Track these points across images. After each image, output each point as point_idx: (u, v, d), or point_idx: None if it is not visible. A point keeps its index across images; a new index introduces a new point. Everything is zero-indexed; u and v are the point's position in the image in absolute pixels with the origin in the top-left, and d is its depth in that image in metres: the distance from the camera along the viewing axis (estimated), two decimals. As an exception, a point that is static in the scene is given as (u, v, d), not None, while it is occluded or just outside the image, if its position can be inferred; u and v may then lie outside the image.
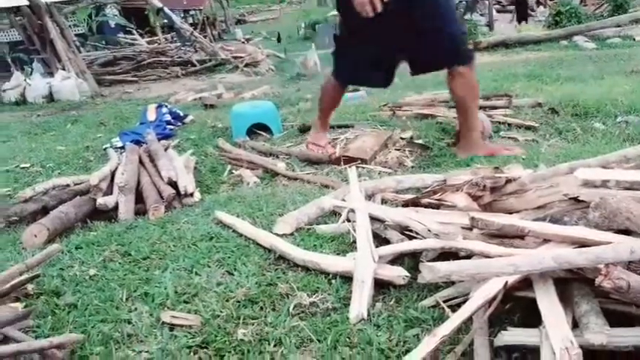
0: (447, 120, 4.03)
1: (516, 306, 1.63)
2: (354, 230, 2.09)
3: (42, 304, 1.95)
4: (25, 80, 8.69)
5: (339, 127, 4.18)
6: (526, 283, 1.57)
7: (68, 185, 3.49)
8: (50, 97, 8.40)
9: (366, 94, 5.93)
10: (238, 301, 1.86)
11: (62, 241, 2.63)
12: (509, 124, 3.96)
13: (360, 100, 5.50)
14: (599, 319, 1.34)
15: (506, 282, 1.50)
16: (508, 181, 1.96)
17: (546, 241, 1.66)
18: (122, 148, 4.33)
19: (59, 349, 1.57)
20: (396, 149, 3.72)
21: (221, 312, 1.81)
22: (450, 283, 1.73)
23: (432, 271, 1.44)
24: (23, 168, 4.41)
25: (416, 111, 4.41)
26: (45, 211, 3.06)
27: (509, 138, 3.73)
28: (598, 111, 4.09)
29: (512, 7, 16.15)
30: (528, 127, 3.86)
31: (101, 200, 3.13)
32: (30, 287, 2.04)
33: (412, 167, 3.42)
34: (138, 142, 4.22)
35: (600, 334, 1.29)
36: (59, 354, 1.58)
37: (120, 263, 2.26)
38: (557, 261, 1.41)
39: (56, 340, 1.53)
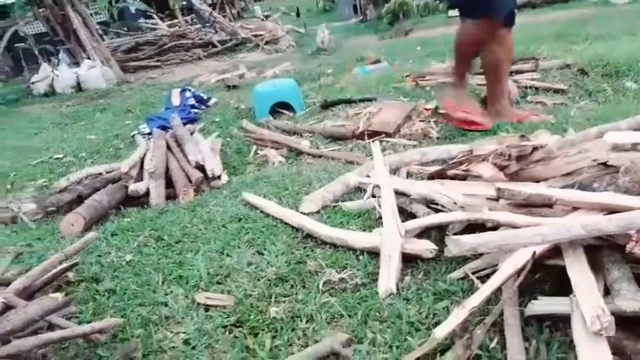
0: (472, 87, 3.94)
1: (546, 275, 1.62)
2: (380, 206, 2.10)
3: (83, 290, 2.05)
4: (52, 71, 8.87)
5: (362, 100, 4.15)
6: (556, 251, 1.55)
7: (100, 174, 3.59)
8: (78, 87, 8.56)
9: (388, 64, 5.84)
10: (269, 280, 1.91)
11: (98, 229, 2.72)
12: (536, 88, 3.85)
13: (382, 71, 5.43)
14: (631, 286, 1.32)
15: (535, 252, 1.49)
16: (535, 148, 1.92)
17: (575, 208, 1.63)
18: (149, 134, 4.41)
19: (101, 333, 1.65)
20: (420, 120, 3.67)
21: (253, 291, 1.86)
22: (479, 255, 1.72)
23: (457, 244, 1.44)
24: (57, 159, 4.55)
25: (440, 80, 4.32)
26: (80, 200, 3.17)
27: (537, 103, 3.63)
28: (630, 69, 3.93)
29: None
30: (557, 90, 3.74)
31: (133, 187, 3.21)
32: (70, 275, 2.13)
33: (437, 138, 3.38)
34: (164, 128, 4.28)
35: (632, 300, 1.27)
36: (102, 338, 1.66)
37: (154, 248, 2.34)
38: (586, 229, 1.39)
39: (98, 325, 1.61)
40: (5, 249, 2.58)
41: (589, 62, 4.06)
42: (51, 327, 1.68)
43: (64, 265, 2.06)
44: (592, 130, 1.94)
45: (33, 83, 8.84)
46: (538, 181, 1.90)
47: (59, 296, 1.52)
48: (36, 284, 1.92)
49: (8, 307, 1.60)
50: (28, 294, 1.87)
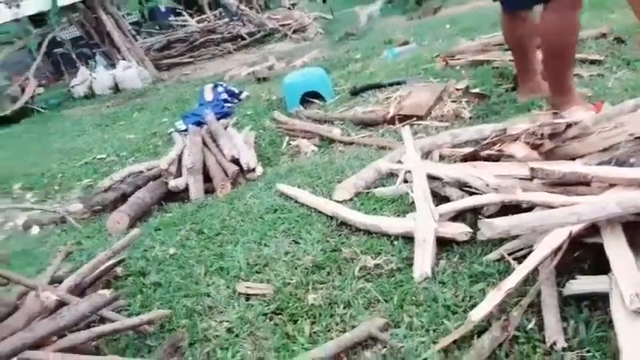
0: (504, 64, 3.84)
1: (585, 253, 1.60)
2: (412, 191, 2.11)
3: (130, 284, 2.16)
4: (90, 74, 9.14)
5: (391, 84, 4.11)
6: (594, 229, 1.53)
7: (142, 172, 3.72)
8: (115, 88, 8.79)
9: (417, 46, 5.76)
10: (306, 268, 1.96)
11: (142, 225, 2.84)
12: (571, 60, 3.71)
13: (411, 53, 5.36)
14: (672, 262, 1.29)
15: (571, 231, 1.47)
16: (569, 125, 1.88)
17: (612, 185, 1.60)
18: (185, 130, 4.51)
19: (149, 324, 1.73)
20: (452, 101, 3.61)
21: (291, 279, 1.91)
22: (515, 236, 1.71)
23: (490, 227, 1.44)
24: (100, 159, 4.71)
25: (470, 58, 4.23)
26: (124, 198, 3.30)
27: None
28: (671, 36, 3.74)
29: None
30: (593, 61, 3.60)
31: (173, 183, 3.32)
32: (118, 270, 2.25)
33: (470, 118, 3.32)
34: (199, 124, 4.37)
35: (673, 277, 1.25)
36: (150, 329, 1.75)
37: (195, 241, 2.42)
38: (622, 206, 1.37)
39: (146, 317, 1.69)
40: (57, 248, 2.74)
41: (626, 30, 3.88)
42: (102, 320, 1.78)
43: (112, 261, 2.17)
44: (629, 102, 1.88)
45: (73, 87, 9.12)
46: (573, 159, 1.86)
47: (107, 292, 1.61)
48: (86, 280, 2.03)
49: (62, 304, 1.71)
50: (80, 290, 1.98)
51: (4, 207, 3.69)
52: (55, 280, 2.05)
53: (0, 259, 2.72)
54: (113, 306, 1.83)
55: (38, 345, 1.46)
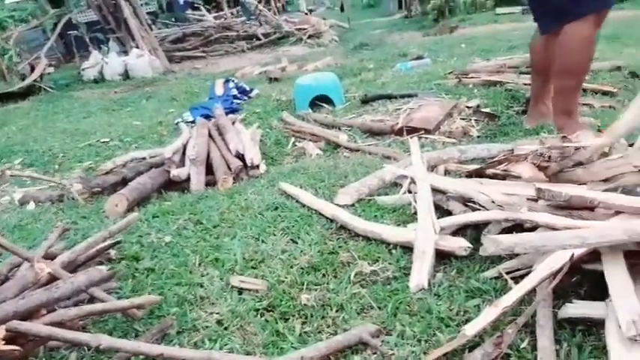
0: (517, 87, 3.86)
1: (583, 279, 1.59)
2: (415, 201, 2.10)
3: (123, 268, 2.14)
4: (102, 59, 9.17)
5: (402, 96, 4.12)
6: (595, 255, 1.52)
7: (144, 158, 3.71)
8: (126, 75, 8.82)
9: (431, 61, 5.78)
10: (302, 268, 1.94)
11: (140, 210, 2.82)
12: (584, 90, 3.72)
13: (424, 67, 5.38)
14: (672, 294, 1.28)
15: (573, 254, 1.46)
16: (577, 149, 1.88)
17: (617, 213, 1.59)
18: (193, 122, 4.51)
19: (139, 309, 1.72)
20: (461, 119, 3.62)
21: (286, 278, 1.89)
22: (514, 255, 1.70)
23: (494, 243, 1.42)
24: (103, 142, 4.71)
25: (484, 78, 4.25)
26: (124, 182, 3.28)
27: (583, 104, 3.51)
28: (686, 74, 3.76)
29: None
30: (606, 93, 3.62)
31: (175, 172, 3.31)
32: (112, 252, 2.23)
33: (478, 137, 3.33)
34: (207, 117, 4.37)
35: (672, 308, 1.24)
36: (139, 313, 1.73)
37: (193, 231, 2.41)
38: (628, 234, 1.36)
39: (137, 301, 1.68)
40: (52, 225, 2.72)
41: (642, 65, 3.91)
42: (92, 300, 1.76)
43: (107, 242, 2.15)
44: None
45: (83, 69, 9.15)
46: (578, 185, 1.85)
47: (104, 268, 1.59)
48: (80, 259, 2.01)
49: (54, 279, 1.69)
50: (73, 268, 1.96)
51: (15, 174, 3.67)
52: (49, 256, 2.03)
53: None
54: (104, 287, 1.81)
55: (27, 316, 1.45)
